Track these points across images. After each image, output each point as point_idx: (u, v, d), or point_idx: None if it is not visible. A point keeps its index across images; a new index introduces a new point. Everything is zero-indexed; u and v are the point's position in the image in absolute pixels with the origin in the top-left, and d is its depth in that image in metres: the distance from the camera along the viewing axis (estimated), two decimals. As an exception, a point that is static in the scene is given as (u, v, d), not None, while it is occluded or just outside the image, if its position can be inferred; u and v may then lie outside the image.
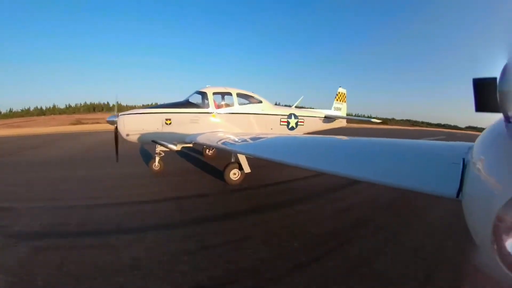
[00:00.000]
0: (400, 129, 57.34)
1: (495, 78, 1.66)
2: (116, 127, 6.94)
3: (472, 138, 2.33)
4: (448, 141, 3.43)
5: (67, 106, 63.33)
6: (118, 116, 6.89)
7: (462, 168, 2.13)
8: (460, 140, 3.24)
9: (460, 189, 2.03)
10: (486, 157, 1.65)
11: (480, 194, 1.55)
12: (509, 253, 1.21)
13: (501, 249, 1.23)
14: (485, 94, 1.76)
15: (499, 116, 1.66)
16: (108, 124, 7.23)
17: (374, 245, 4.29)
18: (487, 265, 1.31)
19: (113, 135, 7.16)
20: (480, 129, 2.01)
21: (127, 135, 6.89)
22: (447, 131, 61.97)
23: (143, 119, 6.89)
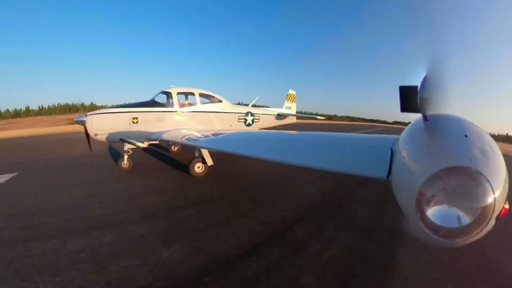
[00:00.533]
0: (342, 124, 60.35)
1: (416, 86, 1.98)
2: (85, 126, 6.75)
3: (398, 131, 2.86)
4: (382, 133, 3.98)
5: (40, 107, 56.74)
6: (86, 116, 6.71)
7: (391, 156, 2.46)
8: (389, 133, 3.81)
9: (389, 172, 2.37)
10: (409, 147, 1.94)
11: (405, 175, 1.83)
12: (429, 219, 1.51)
13: (423, 216, 1.53)
14: (408, 98, 2.16)
15: (418, 116, 2.05)
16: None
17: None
18: (414, 229, 1.58)
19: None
20: (404, 124, 2.49)
21: (96, 134, 6.73)
22: (380, 125, 67.54)
23: (111, 119, 6.77)
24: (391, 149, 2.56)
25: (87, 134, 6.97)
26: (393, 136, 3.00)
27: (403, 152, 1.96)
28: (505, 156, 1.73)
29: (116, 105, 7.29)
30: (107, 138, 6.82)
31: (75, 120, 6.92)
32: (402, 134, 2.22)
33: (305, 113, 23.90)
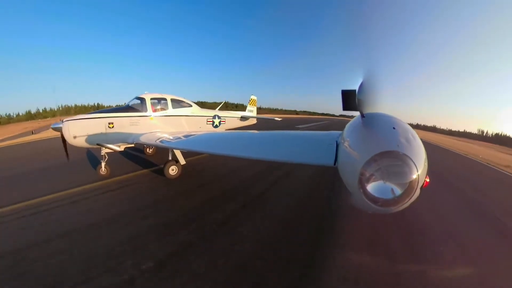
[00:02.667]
0: (300, 117, 63.26)
1: (355, 90, 2.22)
2: (62, 133, 6.21)
3: (343, 122, 3.09)
4: (331, 124, 4.22)
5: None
6: (62, 122, 6.19)
7: (336, 147, 2.69)
8: (335, 123, 4.04)
9: (335, 160, 2.58)
10: (350, 139, 2.15)
11: (348, 161, 2.03)
12: (370, 193, 1.74)
13: (365, 191, 1.76)
14: (348, 99, 2.43)
15: (357, 113, 2.30)
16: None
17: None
18: (358, 202, 1.83)
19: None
20: (347, 116, 2.69)
21: (73, 140, 6.23)
22: (330, 118, 73.79)
23: (87, 124, 6.32)
24: (336, 142, 2.81)
25: (63, 141, 6.44)
26: (337, 132, 3.22)
27: (346, 143, 2.16)
28: (424, 142, 2.02)
29: (93, 111, 6.84)
30: (84, 143, 6.37)
31: (51, 127, 6.35)
32: (345, 129, 2.43)
33: (264, 113, 24.33)
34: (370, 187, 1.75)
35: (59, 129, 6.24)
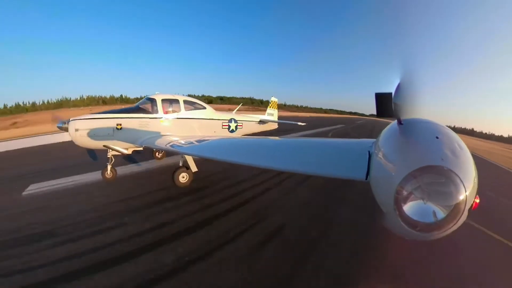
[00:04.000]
0: (330, 116, 62.96)
1: (390, 93, 2.12)
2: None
3: (377, 122, 2.99)
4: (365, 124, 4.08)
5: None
6: (69, 121, 6.51)
7: (368, 158, 2.55)
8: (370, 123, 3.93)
9: (367, 174, 2.44)
10: (385, 149, 2.03)
11: (382, 176, 1.91)
12: (407, 215, 1.61)
13: (401, 213, 1.63)
14: (383, 104, 2.32)
15: (393, 120, 2.21)
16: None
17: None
18: (393, 225, 1.69)
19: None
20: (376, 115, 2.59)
21: (79, 140, 6.53)
22: (361, 117, 72.67)
23: (94, 124, 6.60)
24: (369, 152, 2.66)
25: None
26: (370, 140, 3.10)
27: (380, 154, 2.05)
28: (473, 153, 1.83)
29: (101, 111, 7.10)
30: (90, 144, 6.65)
31: (57, 126, 6.70)
32: (379, 137, 2.32)
33: (285, 119, 24.27)
34: (408, 208, 1.64)
35: (65, 129, 6.57)
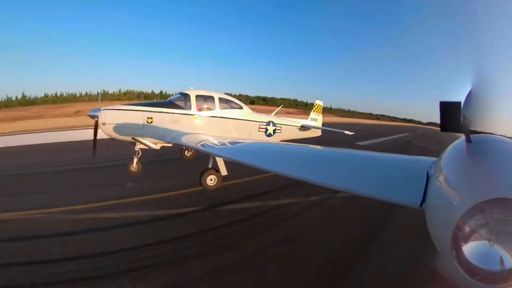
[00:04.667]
0: (384, 124, 60.79)
1: (459, 102, 1.89)
2: (97, 122, 6.88)
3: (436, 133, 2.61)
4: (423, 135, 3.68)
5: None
6: (100, 110, 6.83)
7: (426, 181, 2.27)
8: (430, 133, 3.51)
9: (423, 200, 2.13)
10: (448, 172, 1.78)
11: (441, 205, 1.66)
12: (466, 258, 1.30)
13: (459, 255, 1.33)
14: (449, 116, 1.98)
15: (460, 136, 1.91)
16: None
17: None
18: (447, 269, 1.40)
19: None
20: (435, 124, 2.22)
21: (108, 130, 6.82)
22: (417, 126, 67.26)
23: (125, 116, 6.86)
24: (427, 174, 2.38)
25: (95, 133, 7.11)
26: (429, 158, 2.80)
27: (441, 178, 1.78)
28: None
29: (133, 103, 7.38)
30: (118, 135, 6.92)
31: (88, 114, 7.05)
32: (441, 156, 2.05)
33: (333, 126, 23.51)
34: (468, 249, 1.31)
35: (95, 117, 6.90)
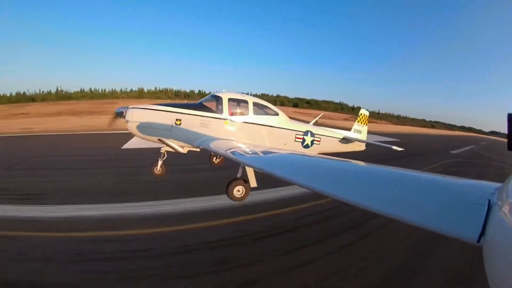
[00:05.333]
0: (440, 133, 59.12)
1: None
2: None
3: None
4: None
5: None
6: (128, 108, 6.90)
7: (487, 211, 2.04)
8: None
9: (482, 234, 1.93)
10: None
11: (505, 242, 1.47)
12: None
13: None
14: None
15: None
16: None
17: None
18: None
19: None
20: (503, 135, 1.91)
21: (134, 128, 6.88)
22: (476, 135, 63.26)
23: (153, 116, 6.86)
24: (489, 202, 2.14)
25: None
26: (492, 184, 2.51)
27: (507, 208, 1.63)
28: None
29: (162, 102, 7.43)
30: (144, 135, 6.95)
31: (115, 110, 7.17)
32: (509, 180, 1.89)
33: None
34: None
35: (121, 115, 6.95)
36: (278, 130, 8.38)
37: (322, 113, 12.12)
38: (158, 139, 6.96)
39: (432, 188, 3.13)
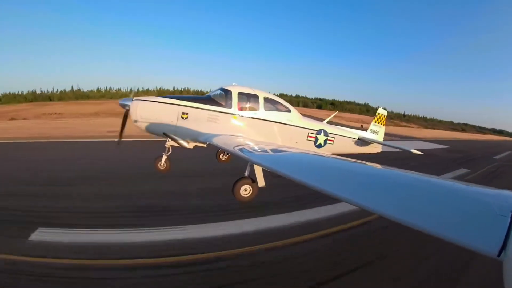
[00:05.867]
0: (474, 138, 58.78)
1: None
2: (127, 112, 6.92)
3: None
4: None
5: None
6: (132, 100, 6.84)
7: (510, 223, 2.02)
8: None
9: (503, 247, 1.90)
10: None
11: None
12: None
13: None
14: None
15: None
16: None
17: None
18: None
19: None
20: None
21: (138, 121, 6.82)
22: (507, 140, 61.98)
23: (158, 108, 6.80)
24: None
25: (123, 122, 7.17)
26: None
27: None
28: None
29: (168, 95, 7.38)
30: (149, 128, 6.90)
31: (119, 102, 7.11)
32: None
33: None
34: None
35: (126, 107, 6.90)
36: (290, 127, 8.25)
37: (336, 112, 11.91)
38: (163, 133, 6.90)
39: (452, 196, 3.05)
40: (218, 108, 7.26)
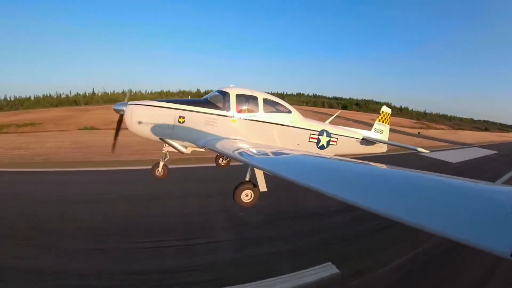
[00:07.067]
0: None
1: None
2: (121, 116, 7.01)
3: None
4: None
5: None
6: (127, 104, 6.91)
7: None
8: None
9: None
10: None
11: None
12: None
13: None
14: None
15: None
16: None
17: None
18: None
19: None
20: None
21: (134, 127, 6.90)
22: None
23: (154, 113, 6.87)
24: None
25: (117, 127, 7.28)
26: None
27: None
28: None
29: (164, 99, 7.49)
30: (144, 134, 6.97)
31: (113, 107, 7.17)
32: None
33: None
34: None
35: (121, 111, 7.00)
36: (291, 129, 8.34)
37: (339, 111, 12.01)
38: (160, 139, 6.96)
39: (462, 195, 3.08)
40: (215, 111, 7.33)
